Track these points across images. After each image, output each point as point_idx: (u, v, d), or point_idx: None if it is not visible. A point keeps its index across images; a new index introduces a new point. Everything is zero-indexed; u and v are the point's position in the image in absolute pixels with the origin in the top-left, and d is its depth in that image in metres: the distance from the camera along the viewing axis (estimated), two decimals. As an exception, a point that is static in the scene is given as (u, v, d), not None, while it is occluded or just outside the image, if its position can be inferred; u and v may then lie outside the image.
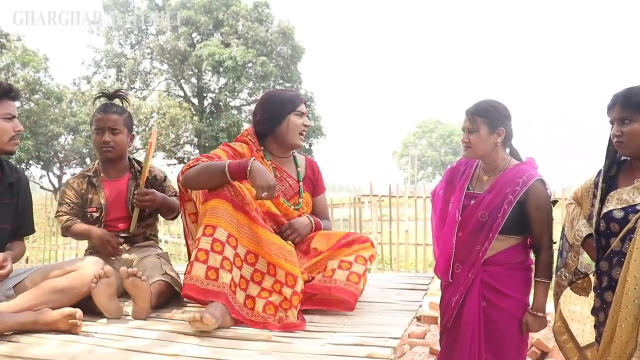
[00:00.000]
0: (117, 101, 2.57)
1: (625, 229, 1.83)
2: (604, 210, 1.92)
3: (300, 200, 2.26)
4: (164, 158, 19.74)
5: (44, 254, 9.31)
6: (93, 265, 1.95)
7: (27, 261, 8.91)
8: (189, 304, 2.14)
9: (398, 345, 1.65)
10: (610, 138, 1.93)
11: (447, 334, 2.27)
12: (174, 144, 19.46)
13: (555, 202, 2.21)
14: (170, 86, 21.66)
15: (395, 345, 1.59)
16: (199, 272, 1.80)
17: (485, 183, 2.22)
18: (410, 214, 8.13)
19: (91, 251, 2.46)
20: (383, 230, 8.21)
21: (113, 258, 2.36)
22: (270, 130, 2.22)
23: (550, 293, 2.16)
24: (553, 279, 2.17)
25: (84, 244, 2.55)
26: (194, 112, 20.04)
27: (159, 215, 2.60)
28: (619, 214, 1.87)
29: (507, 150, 2.24)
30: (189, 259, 2.14)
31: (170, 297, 2.14)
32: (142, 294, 1.91)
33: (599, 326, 1.95)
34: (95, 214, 2.44)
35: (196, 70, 20.39)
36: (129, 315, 1.96)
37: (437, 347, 2.74)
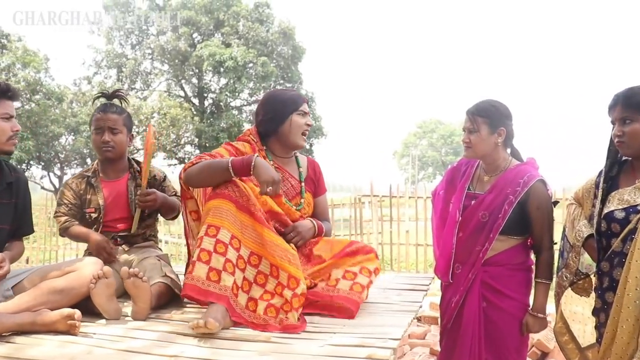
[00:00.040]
0: (116, 101, 2.57)
1: (627, 229, 1.83)
2: (605, 210, 1.91)
3: (302, 200, 2.25)
4: (164, 158, 19.73)
5: (44, 255, 9.32)
6: (92, 265, 1.94)
7: (27, 261, 8.92)
8: (188, 305, 2.14)
9: (398, 346, 1.64)
10: (611, 138, 1.93)
11: (447, 335, 2.26)
12: (174, 144, 19.45)
13: (556, 202, 2.20)
14: (170, 86, 21.64)
15: (395, 346, 1.58)
16: (201, 273, 1.79)
17: (486, 183, 2.22)
18: (411, 214, 8.13)
19: (90, 252, 2.46)
20: (383, 231, 8.22)
21: (116, 254, 2.35)
22: (273, 130, 2.21)
23: (551, 294, 2.15)
24: (554, 279, 2.16)
25: (84, 245, 2.55)
26: (194, 113, 20.03)
27: (158, 215, 2.59)
28: (620, 215, 1.86)
29: (508, 150, 2.23)
30: (189, 259, 2.14)
31: (170, 299, 2.13)
32: (142, 295, 1.90)
33: (599, 327, 1.94)
34: (94, 215, 2.44)
35: (197, 71, 20.37)
36: (128, 316, 1.96)
37: (438, 348, 2.74)
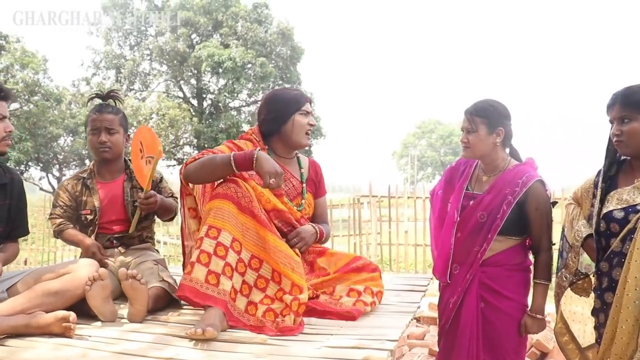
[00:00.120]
0: (110, 102, 2.55)
1: (626, 229, 1.82)
2: (604, 210, 1.90)
3: (303, 201, 2.25)
4: (163, 159, 19.71)
5: (42, 256, 9.30)
6: (87, 267, 1.92)
7: (25, 263, 8.92)
8: (185, 307, 2.12)
9: (396, 347, 1.63)
10: (610, 137, 1.92)
11: (445, 335, 2.25)
12: (173, 145, 19.44)
13: (554, 203, 2.19)
14: (169, 87, 21.64)
15: (392, 347, 1.57)
16: (199, 275, 1.77)
17: (484, 183, 2.20)
18: (410, 214, 8.13)
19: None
20: (382, 231, 8.21)
21: (107, 261, 2.32)
22: (275, 129, 2.20)
23: (551, 294, 2.14)
24: (552, 280, 2.15)
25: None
26: (193, 113, 20.02)
27: (155, 216, 2.57)
28: (619, 214, 1.85)
29: (507, 150, 2.22)
30: (184, 259, 2.13)
31: (167, 303, 2.12)
32: (139, 297, 1.89)
33: (599, 327, 1.93)
34: (90, 217, 2.42)
35: (195, 72, 20.37)
36: (123, 318, 1.94)
37: (436, 348, 2.72)
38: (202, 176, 1.94)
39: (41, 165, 18.63)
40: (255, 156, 1.83)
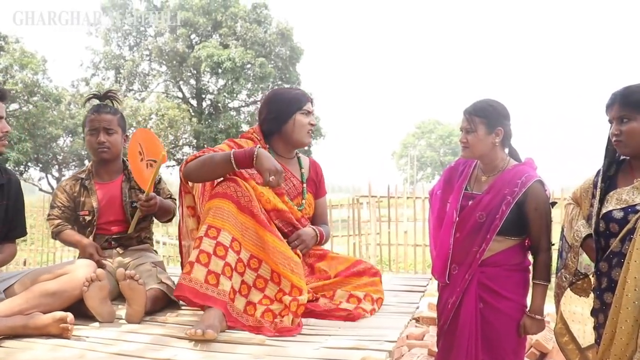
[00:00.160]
0: (108, 102, 2.54)
1: (625, 229, 1.81)
2: (603, 210, 1.90)
3: (304, 201, 2.24)
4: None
5: (41, 257, 9.28)
6: (85, 268, 1.91)
7: (24, 263, 8.90)
8: (183, 307, 2.12)
9: (395, 347, 1.62)
10: (609, 137, 1.91)
11: (444, 336, 2.24)
12: (172, 145, 19.43)
13: (554, 203, 2.19)
14: (168, 88, 21.62)
15: (390, 348, 1.57)
16: (199, 275, 1.76)
17: (483, 183, 2.20)
18: (409, 214, 8.12)
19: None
20: (382, 231, 8.20)
21: (105, 261, 2.32)
22: (276, 129, 2.20)
23: (550, 294, 2.14)
24: (552, 280, 2.15)
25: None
26: (192, 114, 20.01)
27: (153, 217, 2.56)
28: (618, 214, 1.84)
29: (506, 150, 2.22)
30: (181, 258, 2.12)
31: (165, 304, 2.11)
32: (137, 298, 1.88)
33: (598, 328, 1.93)
34: (88, 218, 2.41)
35: (195, 72, 20.36)
36: (121, 319, 1.94)
37: (436, 349, 2.72)
38: (202, 174, 1.94)
39: (40, 165, 18.62)
40: (255, 153, 1.82)
